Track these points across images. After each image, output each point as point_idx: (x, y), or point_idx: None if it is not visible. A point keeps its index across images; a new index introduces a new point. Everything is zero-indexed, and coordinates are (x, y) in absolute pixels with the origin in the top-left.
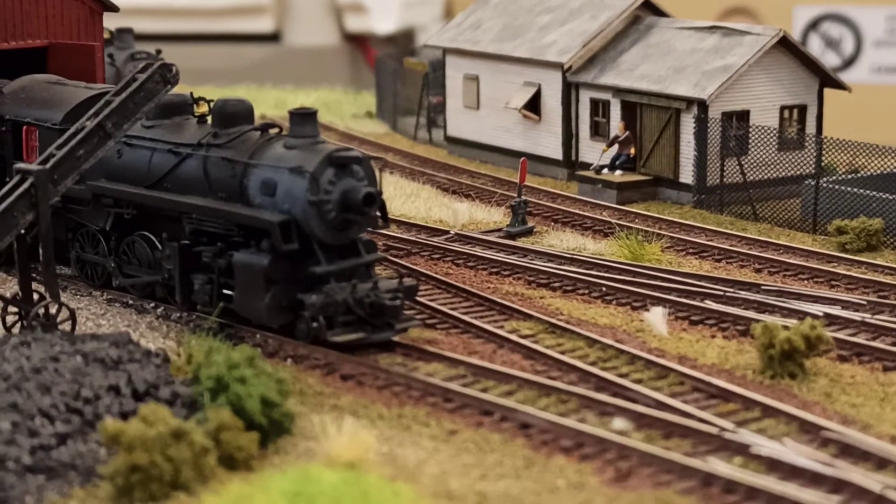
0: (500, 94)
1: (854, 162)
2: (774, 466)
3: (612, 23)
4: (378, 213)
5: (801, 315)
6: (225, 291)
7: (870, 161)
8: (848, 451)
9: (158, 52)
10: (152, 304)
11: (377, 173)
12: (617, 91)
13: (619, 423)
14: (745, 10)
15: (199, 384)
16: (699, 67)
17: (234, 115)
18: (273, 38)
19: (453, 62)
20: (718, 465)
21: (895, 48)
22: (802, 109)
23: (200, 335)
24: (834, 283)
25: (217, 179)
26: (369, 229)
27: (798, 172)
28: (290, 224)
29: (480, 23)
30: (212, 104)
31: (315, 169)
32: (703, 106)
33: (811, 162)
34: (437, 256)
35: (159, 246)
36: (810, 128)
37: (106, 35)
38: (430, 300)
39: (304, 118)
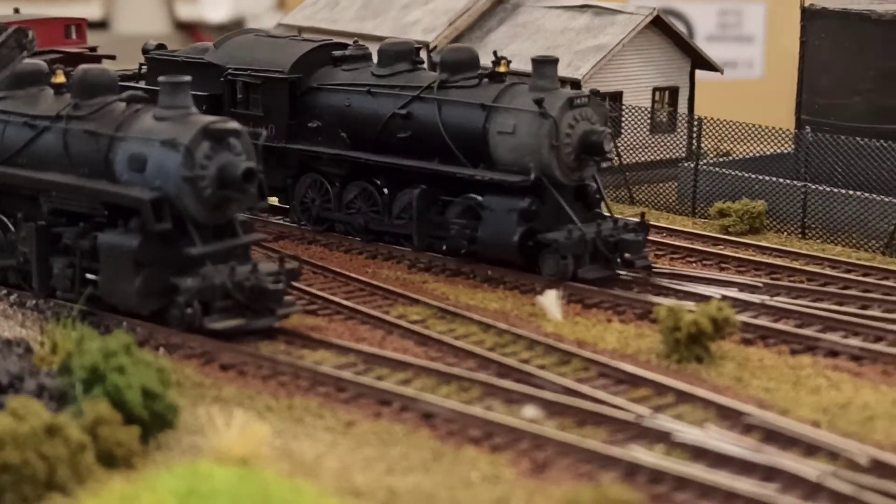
0: None
1: (721, 146)
2: (700, 454)
3: (478, 1)
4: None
5: (698, 298)
6: (88, 276)
7: (736, 146)
8: (773, 437)
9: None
10: (4, 291)
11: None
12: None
13: (529, 411)
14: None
15: (69, 375)
16: (571, 47)
17: (96, 85)
18: (101, 25)
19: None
20: (641, 454)
21: (727, 43)
22: (674, 91)
23: (63, 323)
24: (724, 265)
25: (79, 154)
26: (246, 208)
27: (671, 156)
28: (163, 202)
29: (338, 0)
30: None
31: (190, 142)
32: (576, 86)
33: (682, 145)
34: (308, 240)
35: (13, 227)
36: (681, 110)
37: (505, 68)
38: (308, 285)
39: (175, 87)
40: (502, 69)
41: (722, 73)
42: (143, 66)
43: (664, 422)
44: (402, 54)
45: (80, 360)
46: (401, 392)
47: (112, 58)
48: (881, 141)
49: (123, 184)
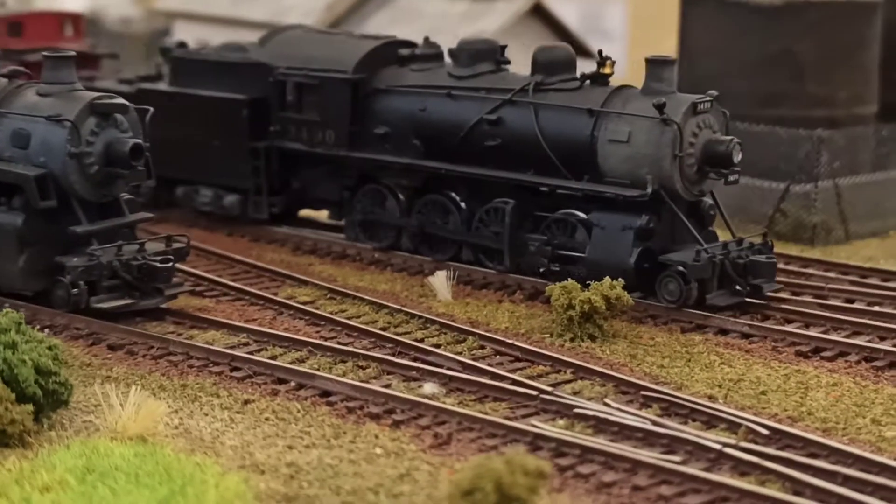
0: None
1: None
2: (602, 428)
3: None
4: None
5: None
6: None
7: None
8: (672, 411)
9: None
10: None
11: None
12: None
13: (429, 387)
14: None
15: None
16: (452, 32)
17: None
18: None
19: (183, 27)
20: (545, 428)
21: (588, 41)
22: None
23: None
24: None
25: None
26: (133, 185)
27: None
28: (48, 179)
29: None
30: None
31: (76, 117)
32: None
33: None
34: (188, 223)
35: None
36: None
37: (611, 69)
38: (193, 267)
39: (59, 62)
40: (608, 70)
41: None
42: (161, 66)
43: (564, 397)
44: (484, 53)
45: None
46: (298, 369)
47: (115, 57)
48: (761, 125)
49: (6, 160)
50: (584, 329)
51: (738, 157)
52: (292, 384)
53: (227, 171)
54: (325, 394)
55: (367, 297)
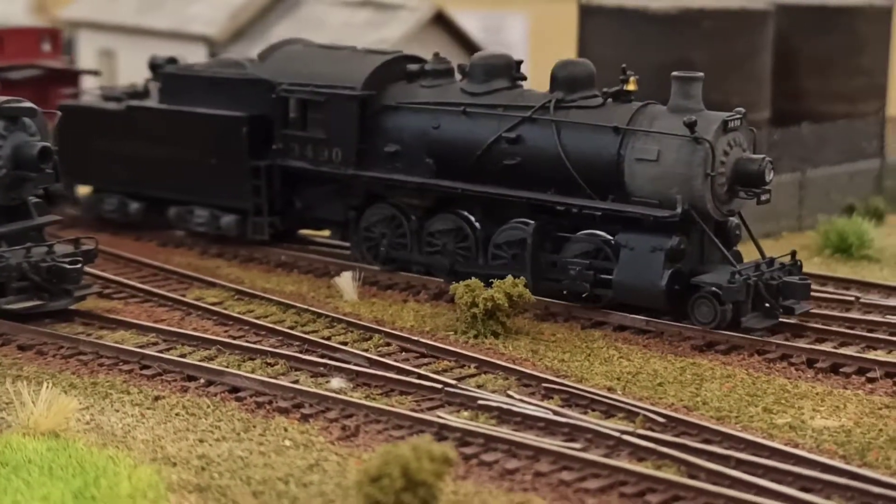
0: (141, 72)
1: None
2: (506, 418)
3: None
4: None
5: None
6: None
7: None
8: (572, 402)
9: None
10: None
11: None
12: None
13: (336, 382)
14: None
15: None
16: (356, 41)
17: None
18: None
19: (87, 37)
20: (449, 419)
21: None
22: None
23: None
24: None
25: None
26: (42, 188)
27: None
28: None
29: None
30: None
31: None
32: None
33: None
34: (96, 228)
35: None
36: None
37: (634, 86)
38: (101, 270)
39: None
40: (631, 87)
41: None
42: (150, 82)
43: (468, 390)
44: (499, 69)
45: None
46: (207, 366)
47: (97, 73)
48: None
49: None
50: (487, 326)
51: (770, 177)
52: (202, 381)
53: (224, 190)
54: (235, 390)
55: (274, 298)
